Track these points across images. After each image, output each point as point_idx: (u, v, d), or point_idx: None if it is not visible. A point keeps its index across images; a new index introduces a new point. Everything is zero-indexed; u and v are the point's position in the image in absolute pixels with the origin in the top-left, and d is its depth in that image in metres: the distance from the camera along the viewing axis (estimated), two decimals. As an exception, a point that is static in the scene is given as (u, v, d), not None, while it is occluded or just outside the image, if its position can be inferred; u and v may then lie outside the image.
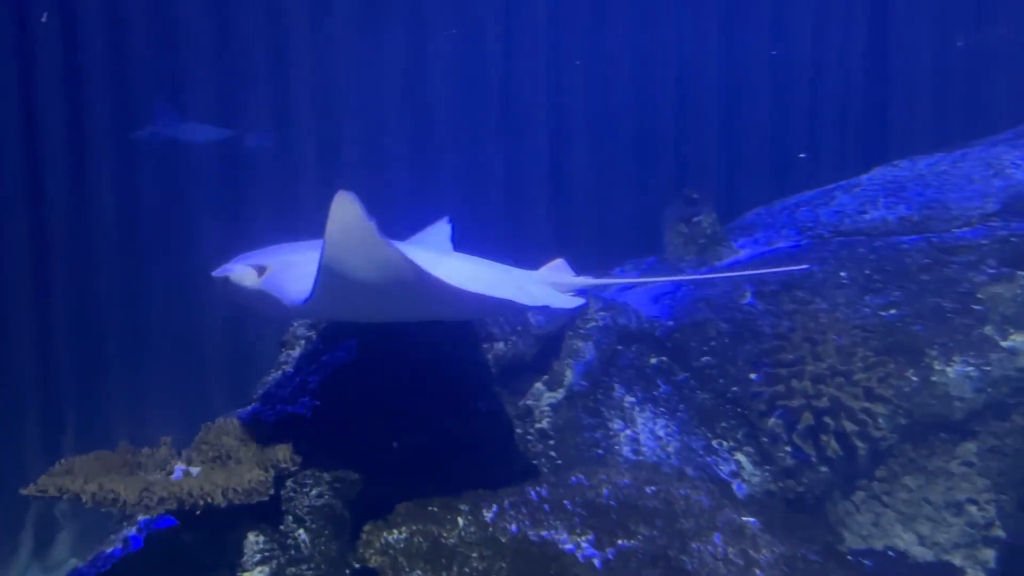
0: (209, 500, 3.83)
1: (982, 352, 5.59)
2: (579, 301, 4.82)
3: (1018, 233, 5.96)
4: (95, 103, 8.59)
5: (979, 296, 5.76)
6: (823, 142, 9.51)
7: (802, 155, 9.06)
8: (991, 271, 5.84)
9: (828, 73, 9.59)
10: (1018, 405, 5.49)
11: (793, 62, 9.60)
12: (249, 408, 4.93)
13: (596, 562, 4.27)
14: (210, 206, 8.69)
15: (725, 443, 5.61)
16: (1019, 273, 5.79)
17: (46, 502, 7.88)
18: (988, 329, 5.65)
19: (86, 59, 8.57)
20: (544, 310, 4.99)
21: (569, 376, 5.56)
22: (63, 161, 8.52)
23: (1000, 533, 5.37)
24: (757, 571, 4.20)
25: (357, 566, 4.31)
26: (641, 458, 5.39)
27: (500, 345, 5.29)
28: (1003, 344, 5.60)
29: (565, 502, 4.71)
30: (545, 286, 4.81)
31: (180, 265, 8.72)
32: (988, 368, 5.54)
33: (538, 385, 5.53)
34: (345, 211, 3.32)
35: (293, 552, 4.19)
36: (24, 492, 3.90)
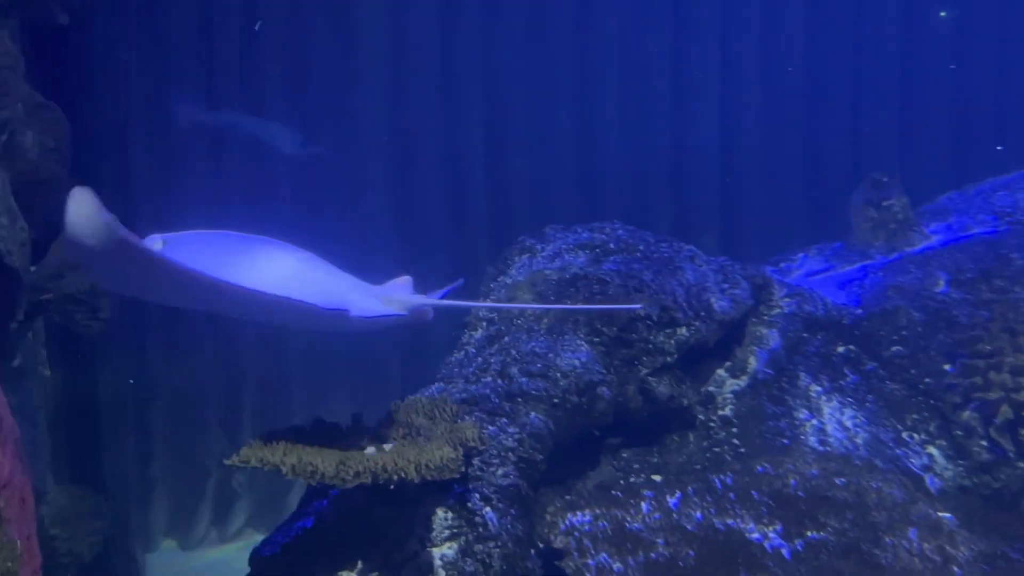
0: (403, 475, 3.93)
1: None
2: (390, 310, 4.65)
3: None
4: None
5: None
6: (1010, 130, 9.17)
7: (999, 147, 8.78)
8: None
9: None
10: None
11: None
12: (434, 387, 5.03)
13: (785, 552, 4.28)
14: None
15: (916, 436, 5.53)
16: None
17: (237, 473, 8.29)
18: None
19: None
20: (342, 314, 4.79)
21: (753, 363, 5.55)
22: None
23: None
24: (955, 568, 4.14)
25: (542, 546, 4.39)
26: (828, 449, 5.33)
27: (683, 331, 5.27)
28: None
29: (751, 491, 4.74)
30: (370, 296, 4.69)
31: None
32: None
33: (720, 372, 5.54)
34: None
35: (481, 530, 4.24)
36: (228, 462, 4.05)
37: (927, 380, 5.62)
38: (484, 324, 5.41)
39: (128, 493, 7.88)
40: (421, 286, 4.73)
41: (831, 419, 5.51)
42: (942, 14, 9.14)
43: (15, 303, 4.86)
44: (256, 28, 8.04)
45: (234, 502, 8.41)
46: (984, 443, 5.40)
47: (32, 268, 6.34)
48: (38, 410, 6.65)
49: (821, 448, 5.31)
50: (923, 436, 5.52)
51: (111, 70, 7.51)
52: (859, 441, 5.44)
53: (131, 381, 7.84)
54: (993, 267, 5.91)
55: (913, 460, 5.43)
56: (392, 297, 4.65)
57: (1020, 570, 4.20)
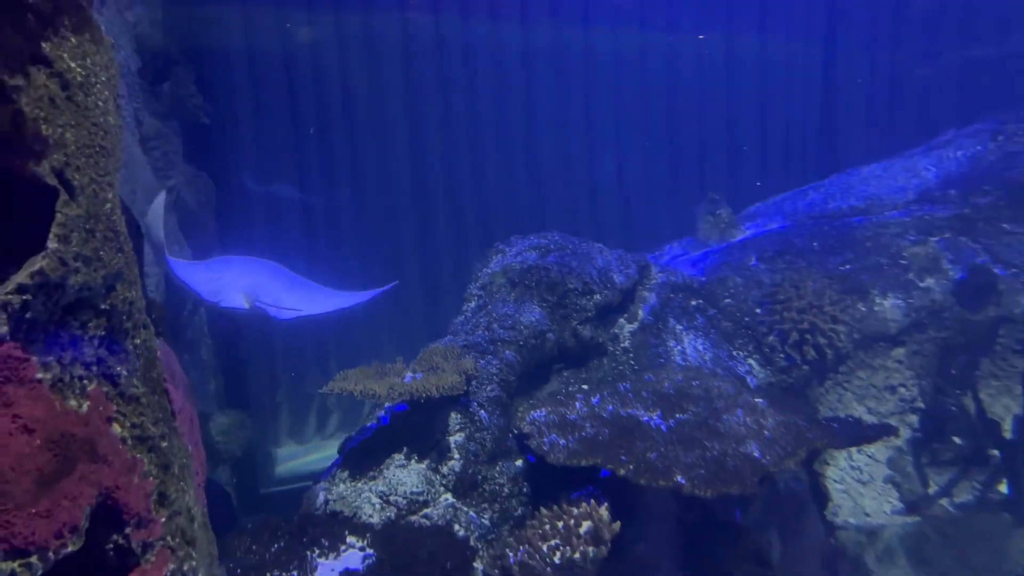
0: (428, 394, 4.00)
1: (907, 290, 5.44)
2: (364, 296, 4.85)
3: (929, 213, 5.74)
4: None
5: (904, 255, 5.59)
6: (793, 156, 9.20)
7: (744, 147, 8.73)
8: (911, 238, 5.65)
9: (794, 100, 9.17)
10: (931, 324, 5.33)
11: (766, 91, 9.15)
12: (445, 339, 5.05)
13: (663, 427, 4.29)
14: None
15: (741, 353, 5.56)
16: (930, 239, 5.59)
17: (329, 397, 8.31)
18: (911, 275, 5.48)
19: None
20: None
21: (640, 314, 5.58)
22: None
23: (920, 405, 5.25)
24: (765, 431, 4.16)
25: (516, 432, 4.43)
26: (688, 363, 5.38)
27: (597, 296, 5.30)
28: (921, 285, 5.43)
29: (642, 391, 4.72)
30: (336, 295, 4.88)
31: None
32: (911, 300, 5.39)
33: (621, 320, 5.55)
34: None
35: (478, 424, 4.30)
36: (322, 391, 4.11)
37: (747, 319, 5.63)
38: (475, 298, 5.41)
39: (263, 413, 7.86)
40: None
41: (689, 346, 5.54)
42: (859, 80, 9.01)
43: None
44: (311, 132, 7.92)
45: (329, 415, 8.40)
46: (782, 356, 5.44)
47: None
48: (206, 366, 6.63)
49: (683, 363, 5.34)
50: (745, 353, 5.54)
51: (236, 155, 7.49)
52: (707, 358, 5.47)
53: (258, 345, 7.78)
54: (784, 248, 5.93)
55: (740, 368, 5.46)
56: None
57: (803, 429, 4.22)
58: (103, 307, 1.62)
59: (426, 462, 4.10)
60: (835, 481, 5.23)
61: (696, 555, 4.27)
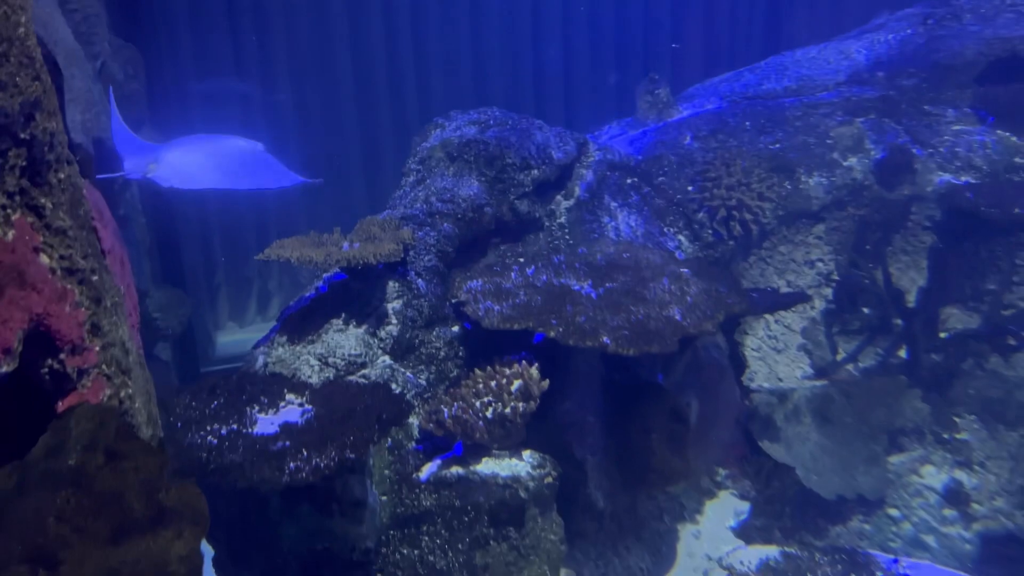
0: (366, 260, 4.06)
1: (831, 169, 5.61)
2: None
3: (856, 95, 5.86)
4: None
5: (831, 135, 5.72)
6: (737, 38, 9.16)
7: (674, 45, 8.71)
8: (839, 119, 5.77)
9: None
10: (851, 201, 5.55)
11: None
12: (384, 212, 5.09)
13: (592, 295, 4.46)
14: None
15: (672, 229, 5.69)
16: (856, 120, 5.73)
17: (270, 279, 8.28)
18: (835, 155, 5.64)
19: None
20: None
21: (577, 191, 5.62)
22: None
23: (835, 277, 5.53)
24: (688, 297, 4.36)
25: (453, 300, 4.56)
26: (621, 237, 5.51)
27: (535, 172, 5.32)
28: (844, 164, 5.60)
29: (575, 263, 4.87)
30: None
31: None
32: (834, 179, 5.57)
33: (558, 197, 5.58)
34: None
35: (415, 292, 4.41)
36: (257, 257, 4.13)
37: (679, 196, 5.75)
38: (413, 173, 5.38)
39: (201, 295, 7.84)
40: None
41: (623, 222, 5.66)
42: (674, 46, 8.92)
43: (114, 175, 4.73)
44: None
45: (270, 298, 8.42)
46: (710, 232, 5.62)
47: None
48: (140, 244, 6.52)
49: (616, 237, 5.48)
50: (675, 229, 5.69)
51: (168, 35, 7.12)
52: (639, 233, 5.61)
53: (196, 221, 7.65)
54: (717, 127, 6.01)
55: (670, 243, 5.63)
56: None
57: (724, 296, 4.43)
58: (22, 136, 1.60)
59: (364, 327, 4.20)
60: (753, 350, 5.54)
61: (619, 412, 4.55)
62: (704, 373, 5.39)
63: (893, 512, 4.86)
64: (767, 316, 5.54)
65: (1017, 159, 5.32)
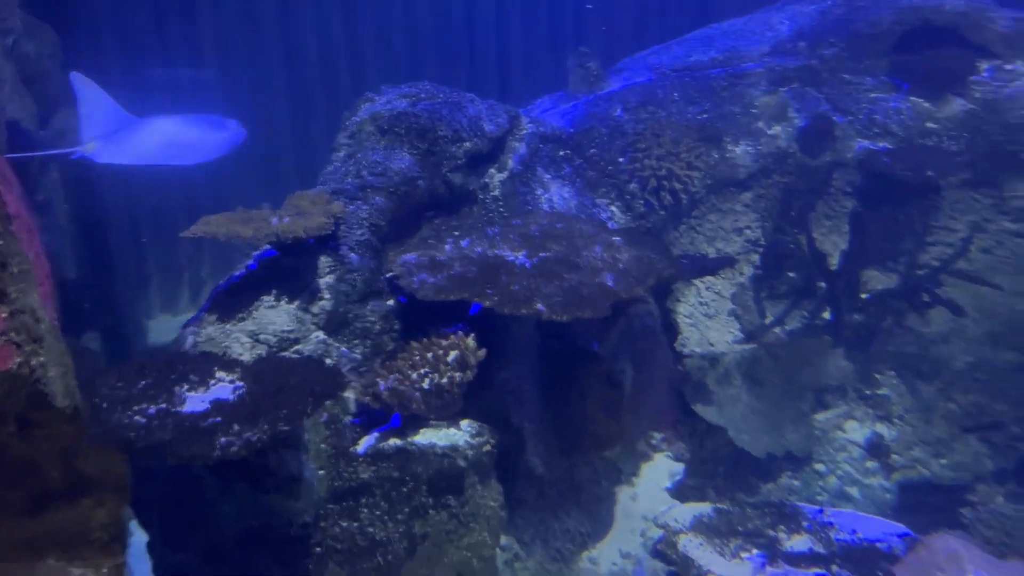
0: (295, 235, 4.00)
1: (757, 138, 5.75)
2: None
3: (780, 65, 6.00)
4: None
5: (756, 104, 5.86)
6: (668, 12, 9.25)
7: (588, 6, 8.77)
8: (763, 88, 5.91)
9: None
10: (776, 169, 5.69)
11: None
12: (315, 188, 5.00)
13: (527, 264, 4.48)
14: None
15: (604, 200, 5.74)
16: (780, 89, 5.87)
17: (202, 266, 8.07)
18: (760, 124, 5.78)
19: None
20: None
21: (510, 163, 5.61)
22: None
23: (763, 244, 5.68)
24: (620, 264, 4.42)
25: (387, 274, 4.52)
26: (555, 209, 5.55)
27: (467, 144, 5.30)
28: (768, 132, 5.75)
29: (510, 235, 4.87)
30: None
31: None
32: (760, 147, 5.71)
33: (492, 170, 5.57)
34: None
35: (348, 266, 4.34)
36: (183, 235, 4.02)
37: (610, 168, 5.81)
38: (344, 147, 5.30)
39: (131, 284, 7.63)
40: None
41: (556, 193, 5.69)
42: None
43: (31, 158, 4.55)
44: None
45: (203, 286, 8.24)
46: (642, 202, 5.70)
47: (41, 132, 5.91)
48: (64, 232, 6.30)
49: (550, 209, 5.51)
50: (608, 200, 5.75)
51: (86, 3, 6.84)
52: (572, 205, 5.66)
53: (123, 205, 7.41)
54: (646, 99, 6.06)
55: (603, 213, 5.69)
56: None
57: (655, 262, 4.51)
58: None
59: (296, 303, 4.14)
60: (685, 316, 5.66)
61: (556, 380, 4.61)
62: (638, 340, 5.50)
63: (820, 467, 5.06)
64: (698, 284, 5.66)
65: (930, 124, 5.54)
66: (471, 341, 4.14)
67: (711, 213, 5.73)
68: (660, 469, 5.06)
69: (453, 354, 4.10)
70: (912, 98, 5.67)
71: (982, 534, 3.70)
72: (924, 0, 5.84)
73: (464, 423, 4.15)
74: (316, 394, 3.39)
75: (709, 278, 5.69)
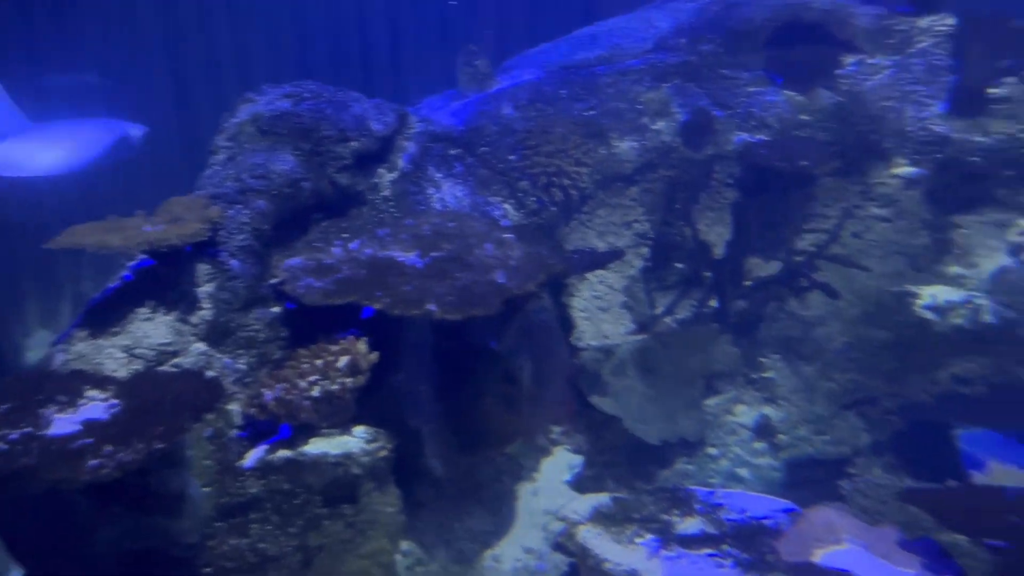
0: (169, 243, 3.83)
1: (642, 133, 5.87)
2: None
3: (662, 61, 6.16)
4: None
5: (640, 100, 5.98)
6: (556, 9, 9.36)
7: (452, 2, 8.84)
8: (647, 84, 6.04)
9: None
10: (661, 163, 5.84)
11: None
12: (193, 193, 4.81)
13: (419, 264, 4.41)
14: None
15: (497, 198, 5.73)
16: (663, 85, 6.03)
17: (82, 280, 7.64)
18: (645, 120, 5.91)
19: None
20: None
21: (400, 163, 5.55)
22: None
23: (651, 236, 5.82)
24: (511, 261, 4.42)
25: (272, 280, 4.38)
26: (447, 208, 5.53)
27: (354, 143, 5.20)
28: (653, 127, 5.88)
29: (401, 235, 4.77)
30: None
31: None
32: (645, 142, 5.84)
33: (381, 169, 5.48)
34: None
35: (228, 273, 4.18)
36: (47, 245, 3.80)
37: (501, 165, 5.81)
38: (223, 150, 5.11)
39: (5, 301, 7.17)
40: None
41: (448, 192, 5.67)
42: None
43: None
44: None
45: (83, 302, 7.83)
46: (533, 199, 5.73)
47: None
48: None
49: (442, 208, 5.49)
50: (500, 198, 5.74)
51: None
52: (465, 203, 5.64)
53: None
54: (535, 97, 6.11)
55: (496, 211, 5.70)
56: None
57: (545, 257, 4.52)
58: None
59: (175, 314, 3.97)
60: (580, 311, 5.75)
61: (453, 379, 4.59)
62: (535, 336, 5.53)
63: (712, 451, 5.24)
64: (591, 278, 5.76)
65: (803, 116, 5.81)
66: (362, 345, 4.07)
67: (600, 208, 5.84)
68: (560, 462, 5.11)
69: (344, 360, 4.02)
70: (786, 91, 5.93)
71: (859, 503, 3.93)
72: (795, -3, 6.12)
73: (358, 429, 4.08)
74: (196, 408, 3.25)
75: (602, 272, 5.80)
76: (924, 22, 5.89)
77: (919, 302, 5.18)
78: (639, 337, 5.56)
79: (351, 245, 4.69)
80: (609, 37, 6.66)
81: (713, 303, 5.59)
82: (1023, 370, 4.99)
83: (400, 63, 9.04)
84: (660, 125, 5.88)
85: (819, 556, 3.22)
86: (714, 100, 5.96)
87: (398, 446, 4.16)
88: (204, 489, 3.60)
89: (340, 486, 3.92)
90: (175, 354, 3.84)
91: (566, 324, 5.58)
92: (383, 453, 4.04)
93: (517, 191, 5.76)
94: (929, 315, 5.11)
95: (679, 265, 5.73)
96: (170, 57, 7.54)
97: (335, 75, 8.40)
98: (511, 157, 5.83)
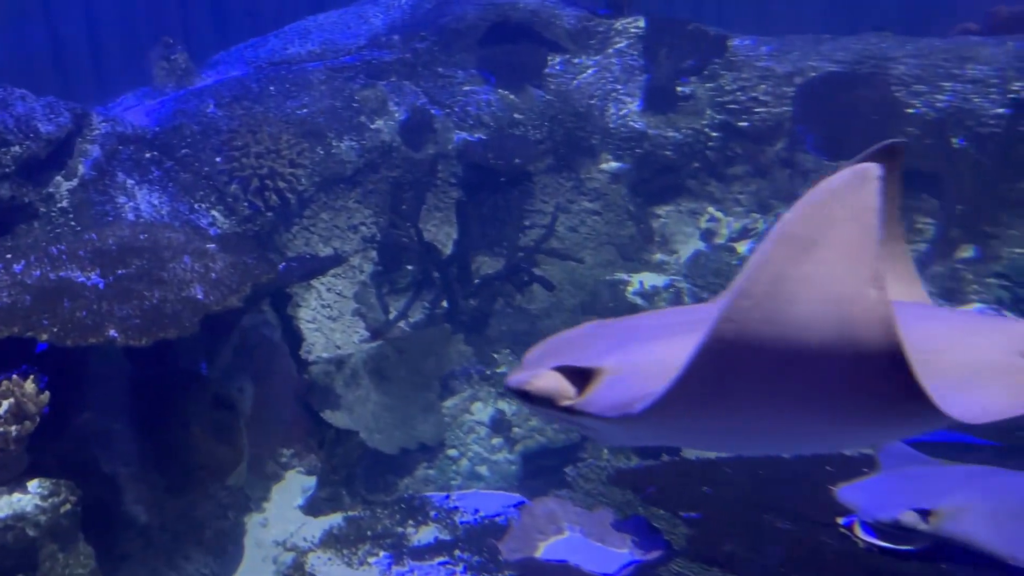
0: None
1: (360, 133, 5.73)
2: None
3: (376, 58, 6.06)
4: None
5: (356, 98, 5.83)
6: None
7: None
8: (361, 82, 5.92)
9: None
10: (383, 163, 5.74)
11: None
12: None
13: (100, 284, 3.94)
14: None
15: (203, 205, 5.34)
16: (379, 83, 5.94)
17: None
18: (363, 118, 5.77)
19: None
20: None
21: (81, 169, 4.99)
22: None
23: (379, 239, 5.69)
24: (212, 274, 4.08)
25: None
26: (142, 218, 5.01)
27: (16, 148, 4.56)
28: (372, 126, 5.75)
29: (79, 252, 4.26)
30: None
31: None
32: (364, 142, 5.71)
33: (58, 177, 4.92)
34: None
35: None
36: None
37: (206, 169, 5.41)
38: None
39: None
40: None
41: (143, 201, 5.17)
42: None
43: None
44: None
45: None
46: (246, 204, 5.38)
47: None
48: None
49: (135, 219, 4.99)
50: (207, 204, 5.35)
51: None
52: (164, 212, 5.17)
53: None
54: (241, 94, 5.77)
55: (203, 220, 5.28)
56: None
57: (252, 267, 4.21)
58: None
59: None
60: (308, 322, 5.47)
61: (155, 412, 4.12)
62: (256, 354, 5.18)
63: (452, 452, 5.22)
64: (318, 286, 5.51)
65: (516, 115, 6.00)
66: (29, 385, 3.50)
67: (323, 211, 5.62)
68: (292, 487, 4.82)
69: (5, 404, 3.42)
70: (500, 90, 6.09)
71: (583, 488, 4.08)
72: (503, -4, 6.29)
73: (32, 484, 3.52)
74: None
75: (330, 279, 5.57)
76: (619, 24, 6.34)
77: (629, 288, 5.56)
78: (373, 344, 5.40)
79: (15, 267, 4.07)
80: (321, 32, 6.44)
81: (445, 304, 5.58)
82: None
83: (104, 58, 8.11)
84: (379, 124, 5.77)
85: (542, 549, 3.27)
86: (431, 98, 5.97)
87: (89, 495, 3.65)
88: None
89: (12, 553, 3.36)
90: None
91: (293, 338, 5.26)
92: (67, 507, 3.51)
93: (226, 196, 5.36)
94: (638, 300, 5.50)
95: (410, 267, 5.66)
96: None
97: (22, 71, 7.40)
98: (217, 159, 5.43)
